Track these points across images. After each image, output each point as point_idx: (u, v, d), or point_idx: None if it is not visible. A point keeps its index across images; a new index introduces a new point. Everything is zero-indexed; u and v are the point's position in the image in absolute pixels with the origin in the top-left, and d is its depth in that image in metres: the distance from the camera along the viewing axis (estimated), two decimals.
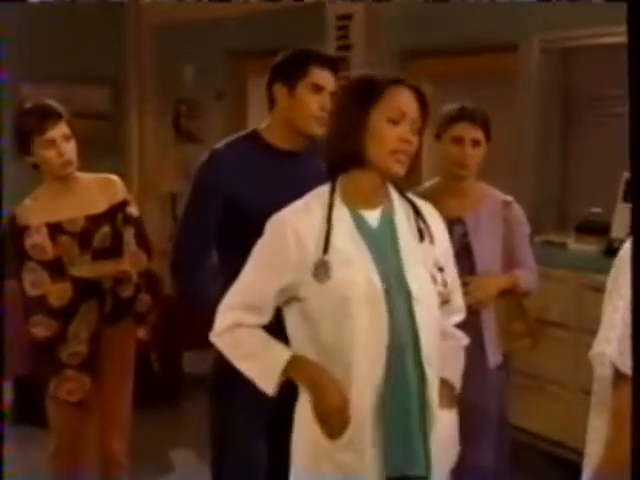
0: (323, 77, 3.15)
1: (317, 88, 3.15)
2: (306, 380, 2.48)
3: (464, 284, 2.96)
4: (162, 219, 7.40)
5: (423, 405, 2.47)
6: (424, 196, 3.09)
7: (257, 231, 2.78)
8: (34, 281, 3.65)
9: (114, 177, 3.86)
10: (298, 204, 2.54)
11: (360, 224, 2.50)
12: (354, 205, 2.51)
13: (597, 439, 2.09)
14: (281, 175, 3.17)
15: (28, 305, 3.68)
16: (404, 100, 2.45)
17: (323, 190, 2.54)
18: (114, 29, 7.52)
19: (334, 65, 3.20)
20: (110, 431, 3.86)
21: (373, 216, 2.52)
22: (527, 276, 3.58)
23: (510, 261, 3.58)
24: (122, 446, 3.89)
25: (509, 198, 3.61)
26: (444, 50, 5.76)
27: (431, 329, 2.49)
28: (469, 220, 3.52)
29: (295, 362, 2.48)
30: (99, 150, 6.87)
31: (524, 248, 3.61)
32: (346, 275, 2.42)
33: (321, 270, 2.42)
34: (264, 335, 2.53)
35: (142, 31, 7.86)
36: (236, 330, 2.54)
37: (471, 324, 3.26)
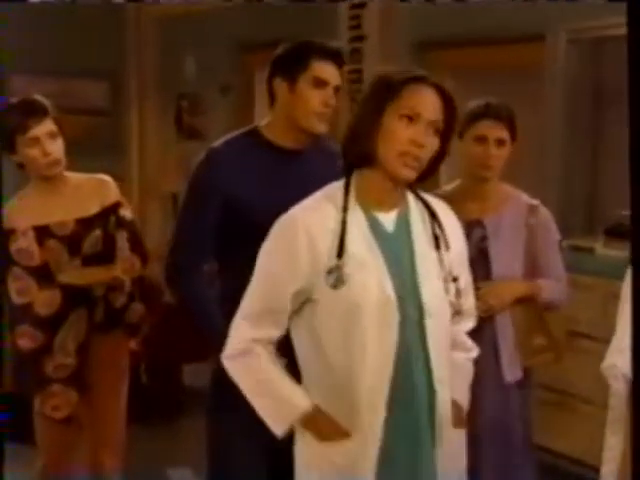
0: (326, 71, 3.11)
1: (319, 82, 3.11)
2: (318, 434, 2.52)
3: (476, 289, 2.94)
4: (163, 221, 7.38)
5: (432, 422, 2.50)
6: (445, 198, 3.09)
7: (257, 234, 2.77)
8: (20, 288, 3.62)
9: (106, 177, 3.82)
10: (309, 202, 2.53)
11: (375, 227, 2.50)
12: (369, 206, 2.51)
13: (613, 458, 2.06)
14: (282, 175, 3.14)
15: (14, 314, 3.63)
16: (422, 100, 2.42)
17: (335, 188, 2.54)
18: (113, 20, 7.48)
19: (338, 58, 3.15)
20: (101, 448, 3.82)
21: (388, 219, 2.52)
22: (552, 286, 3.51)
23: (533, 269, 3.51)
24: (114, 463, 3.85)
25: (535, 202, 3.55)
26: (464, 41, 5.69)
27: (442, 344, 2.52)
28: (489, 223, 3.47)
29: (312, 414, 2.51)
30: (97, 148, 6.87)
31: (551, 256, 3.53)
32: (359, 282, 2.43)
33: (334, 275, 2.43)
34: (280, 369, 2.55)
35: (142, 22, 7.86)
36: (251, 356, 2.54)
37: (486, 335, 3.30)
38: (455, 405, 2.60)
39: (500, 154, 3.46)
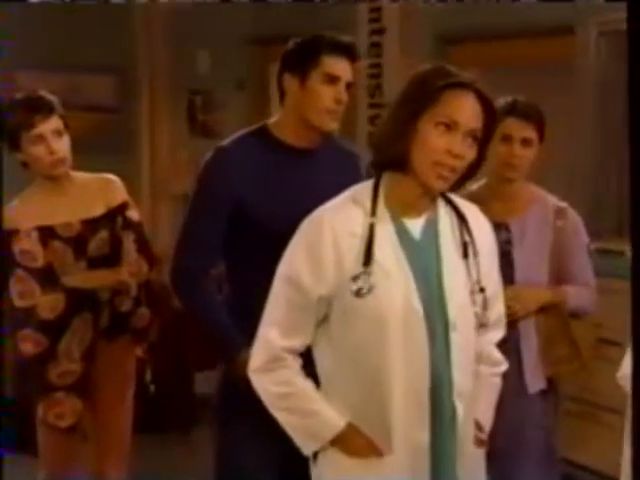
0: (337, 66, 3.12)
1: (331, 78, 3.12)
2: (350, 452, 2.51)
3: None
4: (175, 222, 7.34)
5: (455, 439, 2.52)
6: (470, 199, 3.10)
7: (266, 236, 2.87)
8: (22, 291, 3.63)
9: (113, 177, 3.84)
10: (335, 203, 2.54)
11: (402, 235, 2.50)
12: (397, 212, 2.50)
13: (630, 472, 2.01)
14: (293, 175, 3.15)
15: (16, 318, 3.64)
16: (461, 107, 2.41)
17: (363, 190, 2.54)
18: (122, 12, 7.42)
19: (350, 52, 3.16)
20: (106, 458, 3.84)
21: (416, 226, 2.52)
22: (579, 293, 3.52)
23: (560, 274, 3.51)
24: (119, 474, 3.86)
25: (563, 204, 3.55)
26: (489, 34, 5.69)
27: (466, 357, 2.53)
28: (514, 226, 3.48)
29: (347, 432, 2.50)
30: (105, 147, 6.86)
31: (579, 261, 3.54)
32: (384, 293, 2.43)
33: (359, 283, 2.43)
34: (311, 383, 2.54)
35: (153, 15, 7.82)
36: (281, 367, 2.54)
37: (509, 344, 3.22)
38: (475, 423, 2.62)
39: (526, 154, 3.47)
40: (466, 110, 2.41)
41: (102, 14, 7.26)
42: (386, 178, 2.52)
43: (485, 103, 2.43)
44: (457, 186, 2.52)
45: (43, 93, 3.72)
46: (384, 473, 2.50)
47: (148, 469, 4.72)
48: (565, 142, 5.26)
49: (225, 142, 3.24)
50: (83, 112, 7.18)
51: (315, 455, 2.58)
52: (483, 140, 2.47)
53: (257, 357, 2.58)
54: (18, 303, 3.63)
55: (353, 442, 2.51)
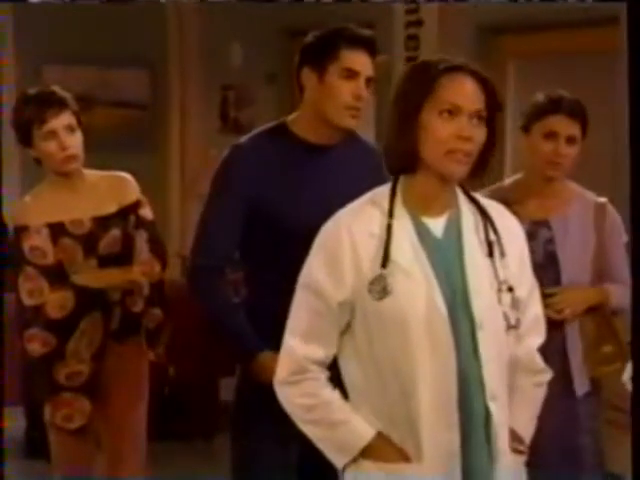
0: (357, 60, 3.12)
1: (350, 73, 3.11)
2: (380, 461, 2.47)
3: (547, 295, 3.01)
4: None
5: (488, 443, 2.47)
6: (504, 195, 3.27)
7: (284, 236, 2.91)
8: (31, 289, 3.67)
9: (126, 175, 3.88)
10: (354, 206, 2.53)
11: (423, 234, 2.48)
12: (417, 211, 2.49)
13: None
14: (311, 173, 3.16)
15: (24, 317, 3.66)
16: (460, 90, 2.42)
17: (382, 192, 2.53)
18: (152, 5, 7.40)
19: (371, 46, 3.15)
20: (120, 464, 3.84)
21: (438, 225, 2.51)
22: (620, 291, 3.48)
23: (601, 273, 3.51)
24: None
25: (603, 200, 3.55)
26: (529, 25, 5.65)
27: (496, 358, 2.48)
28: (556, 224, 3.48)
29: (377, 441, 2.47)
30: (134, 144, 6.83)
31: (619, 259, 3.54)
32: (405, 294, 2.42)
33: (378, 286, 2.42)
34: (339, 394, 2.52)
35: (184, 7, 7.84)
36: (307, 378, 2.51)
37: (554, 346, 3.27)
38: (514, 435, 2.57)
39: (570, 152, 3.46)
40: (465, 92, 2.42)
41: (132, 7, 7.21)
42: (403, 180, 2.51)
43: (483, 82, 2.44)
44: (478, 172, 2.49)
45: (56, 88, 3.75)
46: (415, 476, 2.46)
47: (171, 476, 4.79)
48: (608, 136, 5.19)
49: (242, 139, 3.24)
50: (112, 107, 7.16)
51: (344, 468, 2.54)
52: (489, 120, 2.45)
53: (282, 368, 2.55)
54: (27, 302, 3.64)
55: (383, 451, 2.48)
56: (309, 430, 2.53)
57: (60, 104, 3.66)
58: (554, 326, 3.26)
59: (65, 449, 3.76)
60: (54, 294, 3.63)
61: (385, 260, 2.42)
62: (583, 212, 3.52)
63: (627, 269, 3.45)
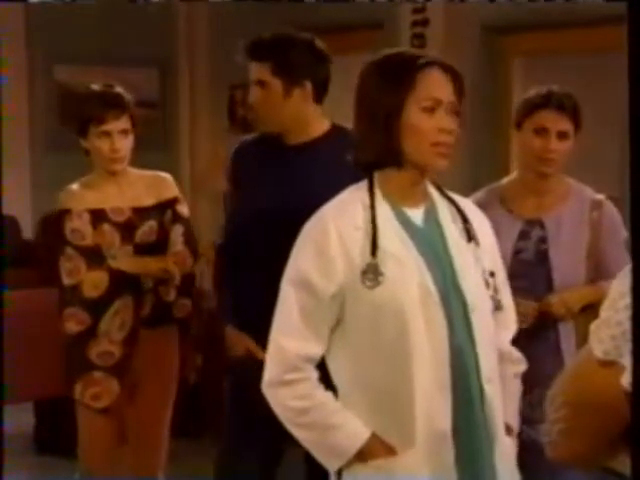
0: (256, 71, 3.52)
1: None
2: (375, 461, 2.46)
3: (542, 300, 3.07)
4: (215, 219, 7.28)
5: (486, 423, 2.51)
6: (500, 193, 3.28)
7: (256, 231, 3.10)
8: (70, 269, 3.78)
9: (167, 175, 4.04)
10: (335, 203, 2.55)
11: (405, 222, 2.52)
12: (397, 203, 2.53)
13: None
14: (283, 170, 3.29)
15: (63, 297, 3.82)
16: (439, 84, 2.47)
17: (359, 188, 2.55)
18: (162, 5, 7.40)
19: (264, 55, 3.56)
20: (143, 456, 3.92)
21: (417, 215, 2.55)
22: None
23: (597, 269, 3.42)
24: (156, 472, 3.94)
25: (599, 196, 3.48)
26: (537, 24, 5.62)
27: (488, 340, 2.52)
28: (549, 223, 3.42)
29: (371, 443, 2.45)
30: (144, 141, 6.78)
31: (617, 256, 3.41)
32: (397, 278, 2.44)
33: (370, 274, 2.43)
34: (331, 396, 2.50)
35: (193, 7, 7.84)
36: (299, 378, 2.48)
37: (549, 345, 3.27)
38: (506, 428, 2.59)
39: (562, 147, 3.39)
40: (443, 86, 2.47)
41: (142, 7, 7.28)
42: (378, 175, 2.53)
43: (452, 74, 2.49)
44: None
45: (121, 90, 3.89)
46: (407, 467, 2.46)
47: (186, 474, 4.77)
48: (618, 135, 5.04)
49: (242, 139, 3.53)
50: None
51: (339, 472, 2.52)
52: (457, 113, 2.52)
53: (272, 369, 2.52)
54: (66, 281, 3.78)
55: (375, 453, 2.46)
56: (301, 434, 2.51)
57: (122, 108, 3.81)
58: (548, 326, 3.28)
59: (91, 428, 3.84)
60: (90, 273, 3.76)
61: (374, 248, 2.44)
62: (578, 209, 3.47)
63: (625, 266, 3.46)
